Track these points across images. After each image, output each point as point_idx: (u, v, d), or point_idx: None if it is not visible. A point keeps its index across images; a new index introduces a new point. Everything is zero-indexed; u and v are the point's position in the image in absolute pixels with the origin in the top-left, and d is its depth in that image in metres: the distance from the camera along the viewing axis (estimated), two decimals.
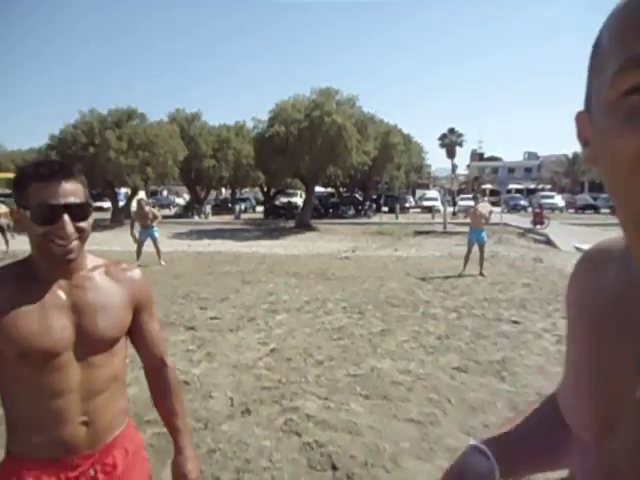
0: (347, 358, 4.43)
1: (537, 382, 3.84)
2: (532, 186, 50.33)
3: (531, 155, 73.84)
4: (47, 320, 1.09)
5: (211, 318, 5.92)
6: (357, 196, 33.03)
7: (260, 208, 35.83)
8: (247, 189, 43.58)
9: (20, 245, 13.15)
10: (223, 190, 44.66)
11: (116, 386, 1.22)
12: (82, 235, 1.12)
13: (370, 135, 21.53)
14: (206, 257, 12.05)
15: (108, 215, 26.71)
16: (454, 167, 33.57)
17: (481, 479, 0.63)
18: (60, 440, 1.10)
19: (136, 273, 1.30)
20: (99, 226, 22.85)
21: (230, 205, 34.45)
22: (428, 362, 4.30)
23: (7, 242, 13.50)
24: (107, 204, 32.38)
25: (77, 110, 22.73)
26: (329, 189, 35.42)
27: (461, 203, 31.14)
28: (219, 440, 2.96)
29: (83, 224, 1.11)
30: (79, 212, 1.10)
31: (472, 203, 10.50)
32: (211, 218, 29.53)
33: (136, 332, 1.28)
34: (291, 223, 22.74)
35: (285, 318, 5.93)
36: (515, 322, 5.61)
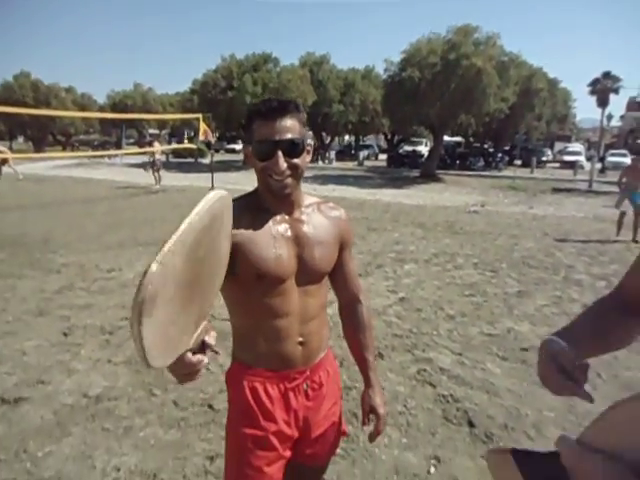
0: (480, 316, 4.27)
1: None
2: None
3: None
4: (278, 249, 1.18)
5: None
6: (487, 147, 30.76)
7: (383, 156, 35.25)
8: (371, 136, 43.01)
9: (169, 181, 14.69)
10: (346, 136, 44.59)
11: (323, 314, 1.32)
12: (295, 172, 1.17)
13: (511, 79, 19.57)
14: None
15: (241, 157, 28.34)
16: (609, 117, 29.31)
17: (556, 355, 0.83)
18: (281, 355, 1.22)
19: (342, 213, 1.36)
20: (233, 167, 24.47)
21: (353, 152, 34.38)
22: None
23: (159, 179, 14.94)
24: (240, 146, 34.34)
25: (219, 56, 23.95)
26: (457, 138, 33.42)
27: (611, 159, 27.29)
28: (355, 379, 3.07)
29: (296, 160, 1.15)
30: (293, 148, 1.14)
31: (624, 159, 9.10)
32: (335, 164, 29.85)
33: (337, 268, 1.33)
34: (415, 172, 22.06)
35: (413, 268, 5.86)
36: None
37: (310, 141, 1.21)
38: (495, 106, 18.48)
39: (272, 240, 1.19)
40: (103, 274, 5.36)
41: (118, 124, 37.53)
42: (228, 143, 42.64)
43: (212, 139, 14.78)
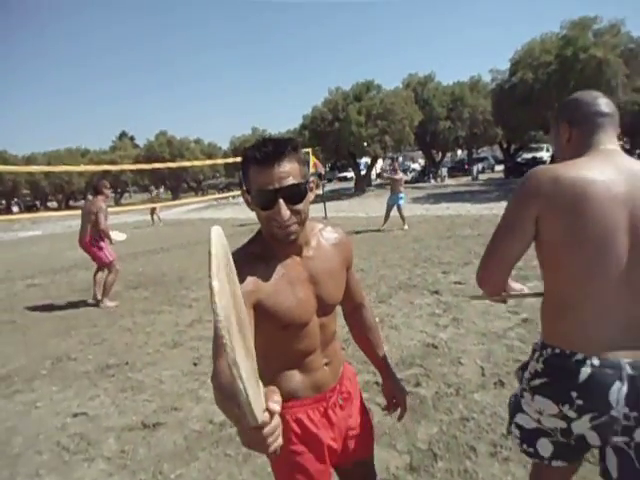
0: None
1: None
2: None
3: None
4: (298, 295, 1.20)
5: (454, 283, 5.83)
6: (621, 144, 27.41)
7: (500, 167, 33.39)
8: (484, 148, 41.13)
9: None
10: (459, 151, 43.16)
11: (336, 330, 1.41)
12: (299, 217, 1.14)
13: None
14: (445, 221, 11.91)
15: (352, 184, 28.86)
16: None
17: None
18: (314, 382, 1.31)
19: (342, 234, 1.39)
20: (344, 195, 25.06)
21: (467, 166, 33.10)
22: None
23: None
24: (350, 174, 35.09)
25: (326, 90, 25.07)
26: None
27: None
28: (472, 409, 2.89)
29: (299, 206, 1.12)
30: (295, 195, 1.10)
31: None
32: (447, 181, 29.00)
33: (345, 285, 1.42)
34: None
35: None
36: None
37: (312, 177, 1.23)
38: (625, 98, 16.59)
39: (290, 287, 1.19)
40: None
41: (239, 167, 40.84)
42: (339, 172, 43.92)
43: (322, 170, 15.35)
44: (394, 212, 10.92)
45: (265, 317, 1.15)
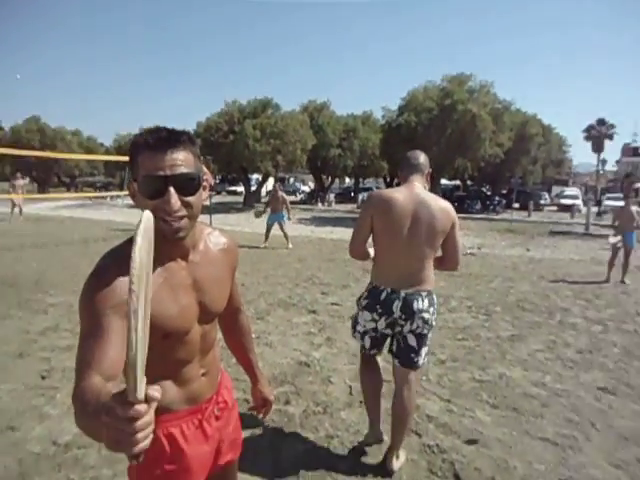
0: (472, 361, 4.16)
1: None
2: None
3: None
4: (180, 302, 1.11)
5: (332, 303, 6.00)
6: (485, 190, 31.11)
7: None
8: (370, 179, 43.63)
9: None
10: (347, 179, 45.25)
11: (216, 337, 1.35)
12: (191, 211, 1.04)
13: (505, 125, 20.08)
14: (329, 244, 12.30)
15: (241, 199, 28.58)
16: (603, 162, 29.88)
17: None
18: (190, 393, 1.22)
19: (230, 239, 1.32)
20: (233, 208, 24.69)
21: (353, 194, 34.78)
22: (567, 377, 3.85)
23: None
24: (240, 188, 34.75)
25: (223, 101, 24.69)
26: (455, 182, 33.90)
27: (608, 203, 27.53)
28: (337, 427, 2.95)
29: (191, 198, 1.03)
30: (187, 184, 1.01)
31: (621, 203, 9.21)
32: (334, 206, 30.12)
33: None
34: None
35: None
36: None
37: (207, 177, 1.12)
38: (490, 151, 18.87)
39: (172, 293, 1.10)
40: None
41: (122, 166, 38.20)
42: (229, 185, 43.28)
43: (212, 181, 14.98)
44: (277, 231, 11.01)
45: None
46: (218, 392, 1.33)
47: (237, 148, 22.23)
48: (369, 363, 2.69)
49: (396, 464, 2.51)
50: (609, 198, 29.02)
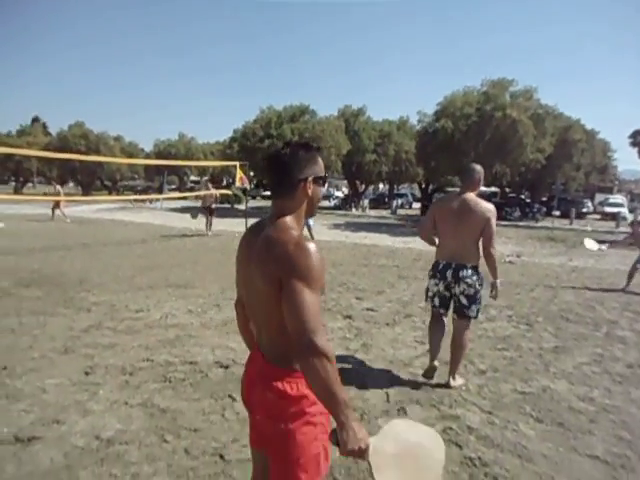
0: (514, 372, 4.02)
1: None
2: None
3: None
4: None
5: (367, 309, 5.94)
6: (524, 197, 30.29)
7: (417, 204, 35.20)
8: (405, 185, 43.26)
9: (203, 225, 15.01)
10: (381, 185, 44.99)
11: None
12: None
13: (547, 130, 19.49)
14: (362, 249, 12.22)
15: None
16: None
17: None
18: None
19: None
20: (268, 213, 24.93)
21: (387, 200, 34.54)
22: (616, 392, 3.66)
23: (210, 224, 14.33)
24: None
25: (257, 108, 25.03)
26: (493, 188, 33.15)
27: None
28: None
29: None
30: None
31: None
32: (368, 211, 29.98)
33: None
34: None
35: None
36: None
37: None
38: (531, 156, 18.37)
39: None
40: (131, 314, 5.42)
41: (161, 171, 39.29)
42: (264, 190, 43.78)
43: (248, 186, 15.18)
44: (305, 233, 11.04)
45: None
46: None
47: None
48: (438, 318, 3.77)
49: (453, 383, 3.66)
50: None
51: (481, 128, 17.74)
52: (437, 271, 3.63)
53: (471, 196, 3.55)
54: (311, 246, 1.33)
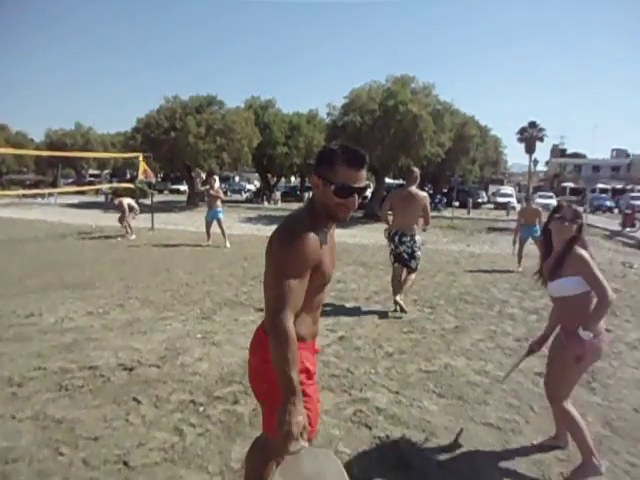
0: (419, 352, 4.25)
1: (634, 397, 3.45)
2: (619, 186, 46.50)
3: (620, 153, 67.90)
4: (330, 259, 1.64)
5: None
6: (427, 189, 32.13)
7: None
8: None
9: (104, 221, 14.09)
10: (292, 178, 45.21)
11: None
12: (355, 207, 1.58)
13: (445, 126, 20.76)
14: None
15: (184, 197, 27.81)
16: (535, 162, 31.63)
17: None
18: (315, 331, 1.74)
19: None
20: (176, 207, 23.96)
21: (299, 192, 34.79)
22: (507, 364, 4.00)
23: (130, 228, 12.34)
24: (184, 187, 33.77)
25: (162, 97, 23.82)
26: (398, 181, 34.74)
27: (538, 201, 29.22)
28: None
29: (358, 201, 1.57)
30: (362, 192, 1.55)
31: (551, 201, 10.01)
32: (280, 204, 29.99)
33: None
34: (359, 213, 22.52)
35: (354, 306, 5.82)
36: (606, 330, 5.11)
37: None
38: (432, 150, 19.43)
39: (329, 253, 1.61)
40: (20, 320, 4.92)
41: (55, 163, 36.09)
42: (172, 183, 42.01)
43: (153, 179, 14.46)
44: (217, 228, 10.80)
45: (319, 273, 1.55)
46: None
47: (179, 145, 21.58)
48: (396, 270, 5.57)
49: (401, 301, 5.51)
50: (540, 196, 30.77)
51: (386, 122, 18.43)
52: (390, 236, 5.51)
53: (413, 188, 5.49)
54: (296, 235, 1.48)
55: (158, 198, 30.00)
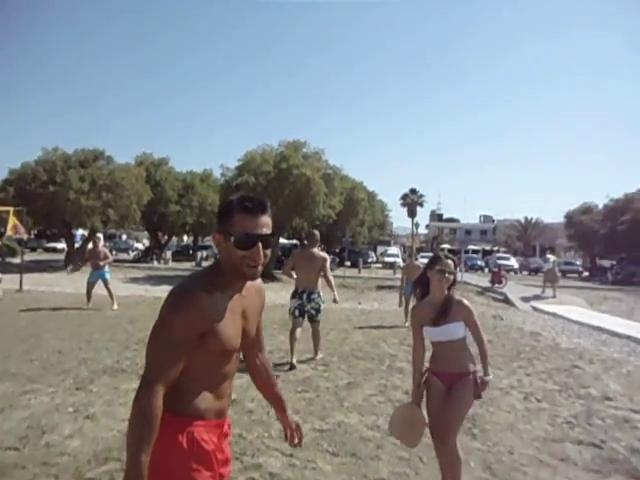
0: (313, 411, 4.20)
1: (508, 440, 3.72)
2: (488, 247, 52.45)
3: (486, 218, 77.55)
4: (235, 325, 1.44)
5: None
6: (320, 249, 33.19)
7: None
8: (209, 237, 43.07)
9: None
10: (185, 237, 43.94)
11: None
12: (265, 260, 1.38)
13: (336, 189, 21.93)
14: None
15: (61, 256, 25.52)
16: (416, 225, 34.54)
17: None
18: (220, 407, 1.47)
19: (261, 284, 1.61)
20: (50, 267, 21.75)
21: (191, 252, 33.78)
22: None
23: None
24: (62, 245, 31.08)
25: (40, 148, 22.18)
26: (293, 241, 35.49)
27: (421, 260, 31.69)
28: None
29: (267, 251, 1.39)
30: (268, 241, 1.39)
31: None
32: (171, 264, 28.78)
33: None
34: None
35: (246, 369, 5.62)
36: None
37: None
38: (324, 212, 20.29)
39: (233, 318, 1.42)
40: None
41: None
42: (48, 241, 38.44)
43: (24, 235, 13.12)
44: (102, 290, 10.05)
45: (212, 341, 1.36)
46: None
47: (58, 200, 19.97)
48: (296, 323, 5.89)
49: (318, 357, 6.19)
50: (423, 256, 33.37)
51: (280, 184, 19.01)
52: (297, 293, 5.97)
53: (315, 249, 6.11)
54: (183, 296, 1.35)
55: (31, 257, 27.14)
